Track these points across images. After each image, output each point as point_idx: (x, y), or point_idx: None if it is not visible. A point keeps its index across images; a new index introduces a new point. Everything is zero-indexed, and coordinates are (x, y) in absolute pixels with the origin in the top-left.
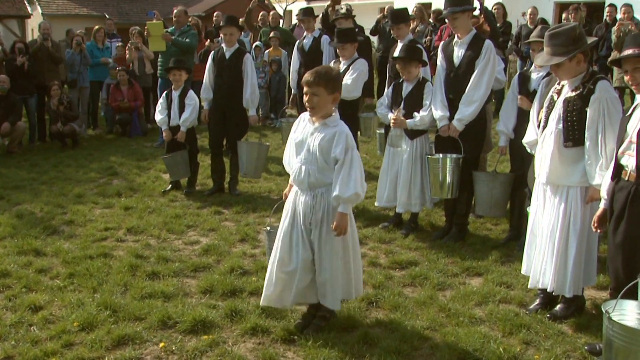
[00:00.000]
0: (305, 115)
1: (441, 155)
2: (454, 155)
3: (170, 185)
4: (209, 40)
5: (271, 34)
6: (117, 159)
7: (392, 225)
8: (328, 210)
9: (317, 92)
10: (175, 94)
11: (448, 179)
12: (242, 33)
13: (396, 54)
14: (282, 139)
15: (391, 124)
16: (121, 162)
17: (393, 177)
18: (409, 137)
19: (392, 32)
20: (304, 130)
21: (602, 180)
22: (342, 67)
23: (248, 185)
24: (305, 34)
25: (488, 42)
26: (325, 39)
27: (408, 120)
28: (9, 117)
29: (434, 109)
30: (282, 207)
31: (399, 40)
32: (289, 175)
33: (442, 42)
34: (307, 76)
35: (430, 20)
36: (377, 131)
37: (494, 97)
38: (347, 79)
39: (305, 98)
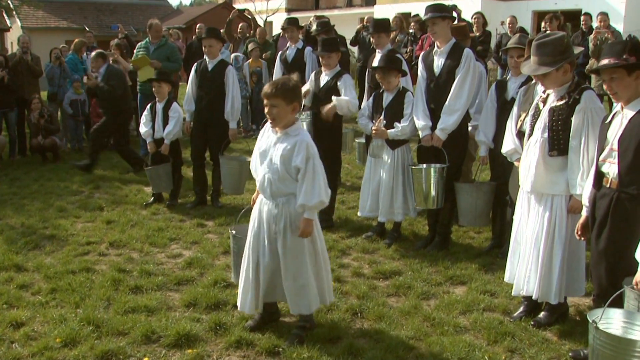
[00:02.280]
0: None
1: (424, 165)
2: (438, 166)
3: (152, 198)
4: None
5: (249, 45)
6: (99, 172)
7: (375, 235)
8: (291, 219)
9: (275, 104)
10: (159, 106)
11: (432, 189)
12: (225, 44)
13: (375, 63)
14: None
15: (372, 134)
16: (103, 175)
17: (375, 187)
18: (390, 147)
19: (372, 41)
20: (268, 140)
21: (583, 189)
22: (324, 78)
23: (230, 197)
24: (288, 44)
25: (467, 51)
26: (308, 50)
27: (389, 131)
28: None
29: (416, 119)
30: (249, 213)
31: (377, 50)
32: None
33: (422, 52)
34: (265, 88)
35: (411, 29)
36: (356, 140)
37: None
38: (345, 96)
39: (265, 110)
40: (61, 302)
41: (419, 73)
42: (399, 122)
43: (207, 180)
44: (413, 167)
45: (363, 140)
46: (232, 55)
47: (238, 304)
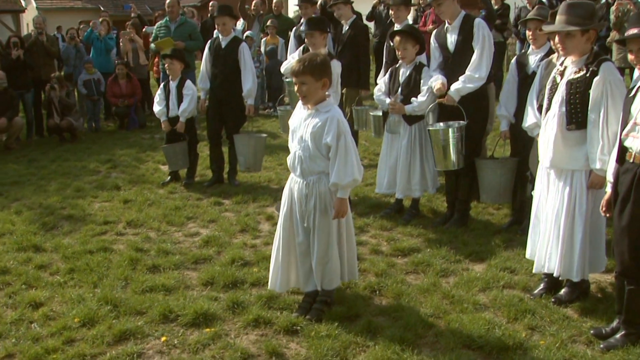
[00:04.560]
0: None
1: (442, 124)
2: (456, 124)
3: (169, 177)
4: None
5: (268, 22)
6: (115, 152)
7: (394, 212)
8: (320, 198)
9: (304, 81)
10: (172, 85)
11: (452, 150)
12: (242, 22)
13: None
14: (280, 127)
15: (389, 110)
16: (120, 155)
17: (392, 163)
18: (407, 123)
19: (391, 14)
20: (299, 117)
21: (604, 164)
22: None
23: (247, 175)
24: (302, 20)
25: (478, 21)
26: None
27: (406, 106)
28: (6, 112)
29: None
30: None
31: (396, 25)
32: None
33: (435, 30)
34: (294, 65)
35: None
36: (371, 113)
37: (493, 81)
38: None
39: (295, 88)
40: (79, 282)
41: (432, 51)
42: (416, 97)
43: (225, 158)
44: (431, 128)
45: (379, 113)
46: (245, 35)
47: (269, 283)
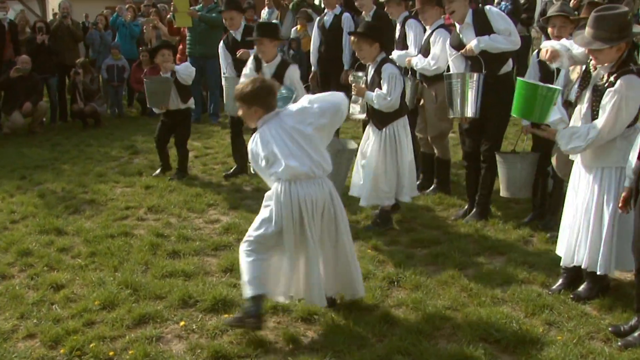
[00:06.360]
0: None
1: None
2: (475, 74)
3: (159, 170)
4: None
5: (297, 14)
6: (137, 138)
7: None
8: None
9: (240, 106)
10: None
11: (468, 95)
12: (256, 15)
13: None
14: None
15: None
16: (142, 141)
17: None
18: (377, 126)
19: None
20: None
21: (628, 162)
22: (265, 69)
23: None
24: (325, 11)
25: (486, 7)
26: (346, 16)
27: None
28: (31, 97)
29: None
30: None
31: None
32: None
33: (448, 40)
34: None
35: None
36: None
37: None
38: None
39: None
40: (100, 265)
41: (453, 61)
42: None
43: (246, 149)
44: (446, 73)
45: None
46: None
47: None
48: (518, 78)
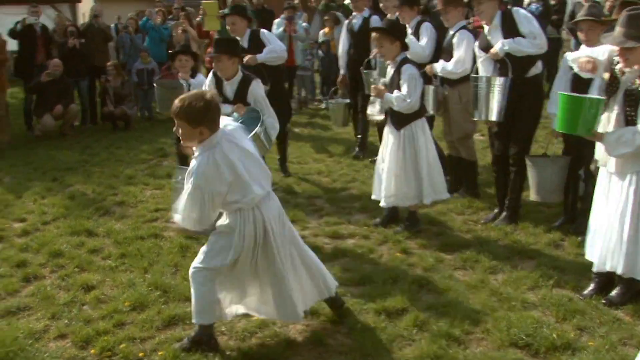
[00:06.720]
0: None
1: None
2: (502, 78)
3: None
4: None
5: (325, 16)
6: (167, 141)
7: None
8: None
9: (180, 125)
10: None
11: (493, 97)
12: (275, 22)
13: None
14: (332, 120)
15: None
16: (171, 143)
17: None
18: (395, 127)
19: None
20: None
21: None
22: (226, 87)
23: (297, 166)
24: (354, 14)
25: (514, 9)
26: (374, 19)
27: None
28: (62, 100)
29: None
30: None
31: (449, 29)
32: (339, 156)
33: (476, 43)
34: (174, 102)
35: None
36: (428, 86)
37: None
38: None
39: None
40: (130, 267)
41: (481, 62)
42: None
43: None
44: (472, 75)
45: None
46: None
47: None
48: (560, 92)
